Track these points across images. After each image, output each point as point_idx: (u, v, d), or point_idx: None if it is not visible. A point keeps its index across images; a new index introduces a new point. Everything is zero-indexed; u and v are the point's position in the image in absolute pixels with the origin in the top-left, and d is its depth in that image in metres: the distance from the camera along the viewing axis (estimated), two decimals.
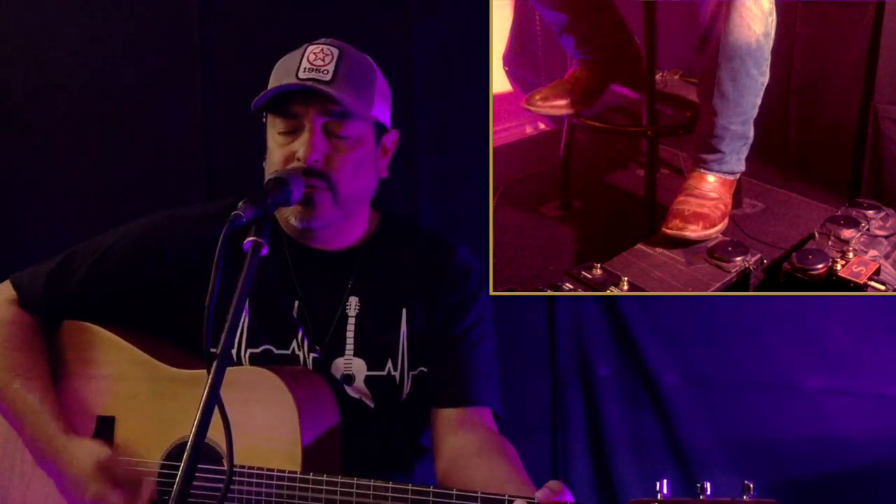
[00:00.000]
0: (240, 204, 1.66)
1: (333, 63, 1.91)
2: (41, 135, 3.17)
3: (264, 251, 1.63)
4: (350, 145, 1.93)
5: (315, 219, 1.93)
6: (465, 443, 1.94)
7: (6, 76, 3.18)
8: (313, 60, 1.91)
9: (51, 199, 3.16)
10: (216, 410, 1.52)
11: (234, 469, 1.59)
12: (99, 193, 3.15)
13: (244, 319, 1.98)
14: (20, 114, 3.18)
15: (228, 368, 1.57)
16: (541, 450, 3.03)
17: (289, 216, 1.94)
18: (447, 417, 1.99)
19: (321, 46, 1.94)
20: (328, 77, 1.89)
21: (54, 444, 1.96)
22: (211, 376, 1.51)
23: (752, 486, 1.50)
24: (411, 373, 2.01)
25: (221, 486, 1.79)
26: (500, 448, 1.92)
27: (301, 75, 1.90)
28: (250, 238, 1.63)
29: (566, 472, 3.03)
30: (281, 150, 1.92)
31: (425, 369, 2.02)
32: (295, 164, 1.89)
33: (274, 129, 1.95)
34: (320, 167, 1.89)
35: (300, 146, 1.90)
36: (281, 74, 1.95)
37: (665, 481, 1.53)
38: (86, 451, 1.95)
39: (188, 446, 1.48)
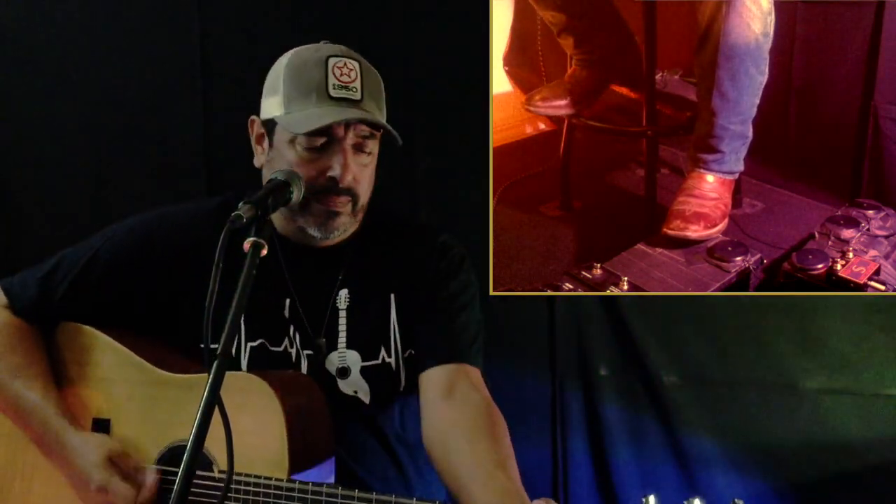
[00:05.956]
0: (240, 204, 1.65)
1: (359, 79, 1.90)
2: (41, 135, 3.17)
3: (264, 251, 1.63)
4: (371, 160, 1.95)
5: (336, 229, 1.95)
6: (455, 417, 1.87)
7: (7, 76, 3.18)
8: (340, 76, 1.89)
9: (51, 200, 3.16)
10: (216, 413, 1.51)
11: (223, 476, 1.58)
12: (99, 194, 3.15)
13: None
14: (20, 114, 3.18)
15: None
16: (541, 450, 3.02)
17: (306, 226, 1.94)
18: (434, 380, 1.93)
19: (343, 60, 1.92)
20: (358, 96, 1.89)
21: (62, 438, 1.96)
22: (211, 376, 1.50)
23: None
24: (404, 356, 2.00)
25: (210, 491, 1.79)
26: (490, 428, 1.85)
27: (333, 94, 1.88)
28: (251, 238, 1.62)
29: (566, 471, 3.03)
30: (311, 165, 1.89)
31: (414, 351, 2.00)
32: (323, 181, 1.89)
33: (298, 144, 1.90)
34: (351, 185, 1.91)
35: (336, 165, 1.88)
36: (307, 87, 1.90)
37: (652, 497, 1.50)
38: (94, 443, 1.95)
39: (188, 448, 1.47)
